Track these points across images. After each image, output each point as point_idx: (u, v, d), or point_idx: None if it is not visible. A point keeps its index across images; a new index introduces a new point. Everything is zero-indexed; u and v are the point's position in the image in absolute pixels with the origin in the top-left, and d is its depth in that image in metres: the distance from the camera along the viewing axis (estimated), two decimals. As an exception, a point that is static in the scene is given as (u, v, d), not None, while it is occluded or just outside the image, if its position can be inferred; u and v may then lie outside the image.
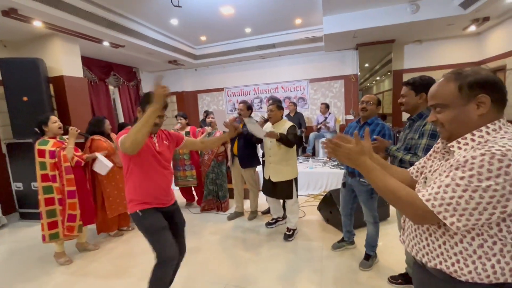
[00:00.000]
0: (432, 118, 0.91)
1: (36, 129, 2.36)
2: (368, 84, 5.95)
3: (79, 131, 2.50)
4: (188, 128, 3.80)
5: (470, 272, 0.79)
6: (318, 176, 4.27)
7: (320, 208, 3.27)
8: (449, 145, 0.86)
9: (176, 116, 3.95)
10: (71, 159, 2.37)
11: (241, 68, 6.96)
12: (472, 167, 0.73)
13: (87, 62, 5.12)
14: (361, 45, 5.60)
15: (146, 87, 7.25)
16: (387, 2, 4.22)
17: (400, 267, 2.13)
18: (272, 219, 3.14)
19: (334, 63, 6.24)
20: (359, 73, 5.81)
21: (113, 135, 3.06)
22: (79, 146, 2.75)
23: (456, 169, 0.76)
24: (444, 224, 0.80)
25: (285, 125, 2.70)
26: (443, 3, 4.11)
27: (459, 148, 0.82)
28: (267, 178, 2.81)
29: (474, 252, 0.79)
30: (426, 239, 0.89)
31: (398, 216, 1.92)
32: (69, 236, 2.45)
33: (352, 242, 2.54)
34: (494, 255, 0.77)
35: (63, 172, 2.33)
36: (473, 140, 0.81)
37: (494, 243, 0.77)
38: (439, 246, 0.85)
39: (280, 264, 2.37)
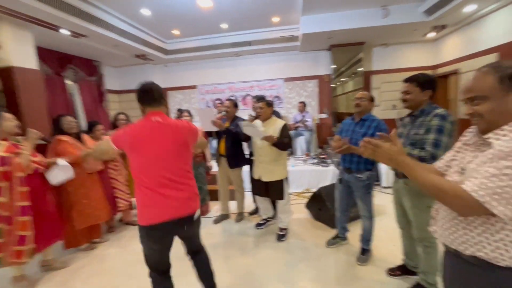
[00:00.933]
0: (469, 111, 0.91)
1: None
2: (334, 85, 6.15)
3: (40, 134, 2.11)
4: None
5: (511, 258, 0.81)
6: (300, 174, 4.29)
7: (308, 205, 3.28)
8: (485, 136, 0.87)
9: (180, 112, 3.60)
10: (27, 166, 1.97)
11: (214, 65, 6.73)
12: None
13: (40, 52, 4.43)
14: (334, 46, 5.79)
15: (112, 83, 6.63)
16: (361, 5, 4.41)
17: (395, 259, 2.21)
18: (262, 220, 3.06)
19: (308, 63, 6.37)
20: (332, 73, 6.02)
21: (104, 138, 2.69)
22: (41, 148, 2.35)
23: (501, 159, 0.78)
24: (486, 213, 0.80)
25: (276, 124, 2.63)
26: (410, 10, 4.43)
27: (497, 139, 0.83)
28: (256, 177, 2.72)
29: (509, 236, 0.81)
30: (464, 228, 0.90)
31: (397, 209, 1.97)
32: (16, 263, 2.01)
33: (345, 238, 2.58)
34: None
35: (14, 184, 1.92)
36: (507, 132, 0.82)
37: None
38: (478, 235, 0.86)
39: (278, 265, 2.30)
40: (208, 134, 3.08)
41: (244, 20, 5.05)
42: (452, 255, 0.98)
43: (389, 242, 2.51)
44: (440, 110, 1.61)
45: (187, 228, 1.52)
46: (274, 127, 2.60)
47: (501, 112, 0.84)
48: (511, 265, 0.81)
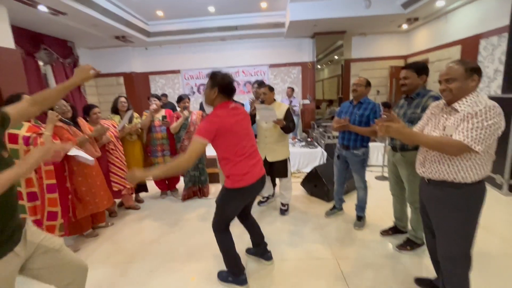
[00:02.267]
0: (443, 87, 1.34)
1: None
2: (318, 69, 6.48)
3: (59, 116, 2.08)
4: (163, 112, 3.51)
5: (472, 177, 1.28)
6: (290, 156, 4.55)
7: (303, 183, 3.57)
8: (455, 105, 1.31)
9: (149, 98, 3.59)
10: None
11: (199, 50, 6.63)
12: (481, 115, 1.20)
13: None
14: (318, 34, 6.03)
15: (85, 65, 6.20)
16: (346, -5, 4.66)
17: (385, 222, 2.58)
18: (263, 198, 3.29)
19: (292, 50, 6.56)
20: (315, 60, 6.29)
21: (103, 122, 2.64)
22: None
23: (472, 118, 1.22)
24: (468, 151, 1.23)
25: (281, 107, 2.81)
26: (389, 2, 4.79)
27: (459, 106, 1.29)
28: (262, 158, 2.90)
29: (474, 165, 1.27)
30: (448, 164, 1.32)
31: (391, 179, 2.31)
32: None
33: (342, 209, 2.91)
34: (482, 165, 1.28)
35: (41, 163, 1.92)
36: (467, 102, 1.28)
37: (482, 158, 1.27)
38: (456, 166, 1.30)
39: (286, 234, 2.56)
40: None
41: (231, 4, 5.03)
42: (436, 185, 1.39)
43: (378, 210, 2.89)
44: (433, 93, 1.92)
45: (263, 184, 1.87)
46: (279, 111, 2.77)
47: (462, 89, 1.29)
48: (474, 181, 1.29)
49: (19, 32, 4.31)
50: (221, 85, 1.67)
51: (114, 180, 2.97)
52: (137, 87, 6.58)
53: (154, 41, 6.18)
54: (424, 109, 1.86)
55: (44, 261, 1.18)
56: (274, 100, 2.89)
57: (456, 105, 1.30)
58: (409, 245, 2.17)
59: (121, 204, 3.42)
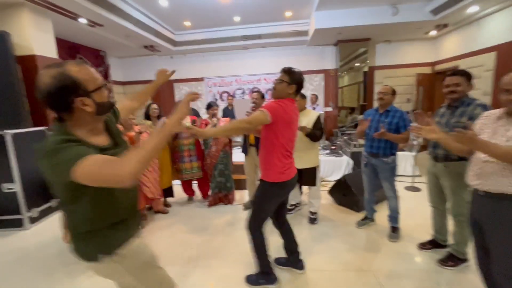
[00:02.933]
0: (505, 98, 1.28)
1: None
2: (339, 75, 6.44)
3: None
4: (188, 118, 3.59)
5: None
6: (314, 163, 4.50)
7: (331, 192, 3.50)
8: None
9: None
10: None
11: (221, 58, 6.78)
12: None
13: (53, 41, 4.37)
14: (341, 41, 6.01)
15: (116, 74, 6.53)
16: (372, 3, 4.63)
17: (420, 234, 2.47)
18: (291, 206, 3.25)
19: (314, 57, 6.56)
20: (338, 68, 6.25)
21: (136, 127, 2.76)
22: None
23: None
24: None
25: (310, 115, 2.80)
26: (418, 9, 4.70)
27: None
28: (291, 165, 2.89)
29: None
30: (509, 175, 1.26)
31: (431, 190, 2.22)
32: None
33: (373, 219, 2.83)
34: None
35: None
36: None
37: None
38: None
39: (316, 242, 2.51)
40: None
41: (257, 13, 5.14)
42: (493, 198, 1.32)
43: (411, 220, 2.78)
44: (480, 101, 1.84)
45: (295, 183, 1.94)
46: (308, 118, 2.77)
47: None
48: None
49: (58, 43, 4.60)
50: (299, 83, 1.78)
51: (147, 185, 3.05)
52: (162, 94, 6.80)
53: (179, 50, 6.40)
54: (471, 118, 1.79)
55: None
56: (305, 108, 2.89)
57: None
58: (452, 260, 2.06)
59: (149, 208, 3.50)
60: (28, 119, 3.38)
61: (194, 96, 1.07)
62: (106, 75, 6.06)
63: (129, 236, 1.10)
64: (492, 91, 4.51)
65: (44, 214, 3.37)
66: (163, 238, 2.77)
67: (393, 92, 2.47)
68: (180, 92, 7.10)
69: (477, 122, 1.48)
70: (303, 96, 2.86)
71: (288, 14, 5.28)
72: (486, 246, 1.43)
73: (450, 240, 2.15)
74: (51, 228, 3.14)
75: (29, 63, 3.35)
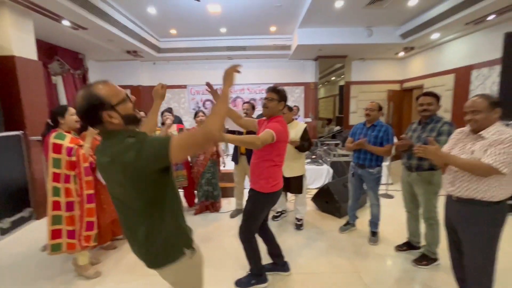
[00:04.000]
0: (469, 118, 1.52)
1: (49, 121, 1.93)
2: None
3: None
4: (175, 126, 3.62)
5: (498, 196, 1.45)
6: (297, 172, 4.69)
7: (314, 199, 3.69)
8: (480, 133, 1.50)
9: (162, 113, 3.70)
10: (87, 158, 2.04)
11: (205, 67, 6.85)
12: (507, 142, 1.38)
13: (30, 41, 4.15)
14: (320, 57, 6.39)
15: (94, 77, 6.28)
16: (350, 24, 5.04)
17: (398, 237, 2.71)
18: (277, 212, 3.38)
19: (295, 71, 6.89)
20: (317, 81, 6.62)
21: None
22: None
23: (498, 144, 1.41)
24: (496, 173, 1.40)
25: (298, 127, 2.98)
26: (389, 32, 5.21)
27: (486, 134, 1.47)
28: (279, 173, 3.03)
29: (500, 186, 1.44)
30: (477, 183, 1.48)
31: (405, 197, 2.47)
32: (86, 247, 2.10)
33: (355, 225, 3.04)
34: (507, 186, 1.45)
35: (82, 174, 1.98)
36: (492, 130, 1.46)
37: (507, 179, 1.43)
38: (485, 185, 1.46)
39: (303, 248, 2.65)
40: (231, 133, 3.29)
41: (243, 26, 5.32)
42: (464, 202, 1.54)
43: (389, 225, 3.03)
44: (446, 119, 2.13)
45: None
46: (296, 130, 2.94)
47: (486, 120, 1.48)
48: (500, 200, 1.46)
49: (37, 44, 4.39)
50: (286, 100, 1.99)
51: None
52: (143, 100, 6.66)
53: (163, 57, 6.36)
54: (440, 134, 2.07)
55: None
56: (292, 119, 3.06)
57: (483, 133, 1.49)
58: (425, 260, 2.30)
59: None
60: (1, 123, 3.18)
61: (237, 68, 1.26)
62: (84, 79, 5.83)
63: (191, 240, 1.19)
64: (451, 109, 5.09)
65: (16, 224, 3.14)
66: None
67: (379, 108, 2.72)
68: (162, 98, 7.01)
69: (451, 137, 1.72)
70: (290, 109, 3.04)
71: (272, 29, 5.53)
72: (458, 246, 1.66)
73: (423, 242, 2.41)
74: (25, 239, 2.94)
75: (7, 64, 3.18)
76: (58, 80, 5.20)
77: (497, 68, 3.80)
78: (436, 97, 2.18)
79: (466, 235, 1.56)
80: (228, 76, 1.21)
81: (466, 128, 1.62)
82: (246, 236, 2.01)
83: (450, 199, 1.66)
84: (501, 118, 1.53)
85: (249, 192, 2.04)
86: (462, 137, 1.62)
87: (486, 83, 4.33)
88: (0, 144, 3.02)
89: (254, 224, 2.01)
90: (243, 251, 2.05)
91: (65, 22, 3.82)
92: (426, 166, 2.18)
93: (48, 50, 4.75)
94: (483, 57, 4.36)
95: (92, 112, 0.95)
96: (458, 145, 1.62)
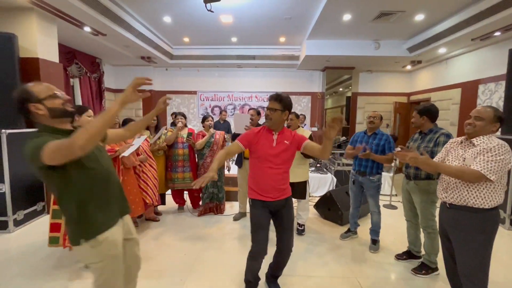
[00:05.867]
0: (470, 121, 1.59)
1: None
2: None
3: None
4: (187, 129, 3.75)
5: (488, 203, 1.50)
6: (301, 179, 4.74)
7: (317, 206, 3.73)
8: (473, 140, 1.58)
9: (175, 115, 3.85)
10: None
11: (215, 74, 7.05)
12: (495, 150, 1.46)
13: (52, 45, 4.42)
14: (328, 68, 6.52)
15: (108, 81, 6.57)
16: (357, 37, 5.16)
17: (397, 247, 2.73)
18: (280, 217, 3.43)
19: (303, 81, 7.02)
20: (324, 92, 6.73)
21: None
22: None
23: (487, 152, 1.49)
24: (483, 181, 1.48)
25: (304, 134, 3.07)
26: (396, 46, 5.30)
27: (476, 141, 1.56)
28: (283, 179, 3.10)
29: (490, 193, 1.50)
30: (468, 190, 1.55)
31: (405, 205, 2.51)
32: None
33: (356, 232, 3.06)
34: (496, 193, 1.51)
35: None
36: (483, 139, 1.55)
37: (496, 187, 1.50)
38: (476, 191, 1.53)
39: (304, 252, 2.69)
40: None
41: (254, 36, 5.51)
42: (457, 209, 1.60)
43: (389, 235, 3.05)
44: (444, 130, 2.20)
45: None
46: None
47: (484, 129, 1.56)
48: (490, 207, 1.51)
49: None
50: (290, 108, 1.85)
51: (148, 192, 3.10)
52: (154, 104, 6.86)
53: (175, 63, 6.60)
54: (436, 144, 2.13)
55: (130, 246, 1.44)
56: (299, 126, 3.16)
57: (474, 140, 1.57)
58: (424, 269, 2.32)
59: (140, 216, 3.52)
60: (23, 120, 3.37)
61: (142, 81, 1.17)
62: (99, 82, 6.09)
63: (110, 224, 1.26)
64: (458, 122, 5.09)
65: (29, 217, 3.29)
66: (156, 246, 2.81)
67: (381, 118, 2.81)
68: (172, 103, 7.23)
69: (445, 146, 1.80)
70: (297, 116, 3.14)
71: (282, 39, 5.71)
72: (453, 253, 1.69)
73: (423, 251, 2.43)
74: (35, 232, 3.08)
75: (31, 65, 3.40)
76: (75, 82, 5.46)
77: (504, 84, 3.83)
78: (420, 111, 2.29)
79: (458, 241, 1.60)
80: (128, 89, 1.13)
81: (460, 138, 1.69)
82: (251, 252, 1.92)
83: (444, 206, 1.71)
84: (503, 132, 1.60)
85: (288, 201, 1.93)
86: (455, 146, 1.70)
87: (492, 97, 4.35)
88: (22, 139, 3.20)
89: (252, 239, 1.92)
90: (284, 263, 2.02)
91: (86, 28, 4.06)
92: (423, 175, 2.24)
93: (67, 54, 5.02)
94: (489, 72, 4.40)
95: (21, 103, 1.13)
96: (451, 154, 1.69)
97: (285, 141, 1.82)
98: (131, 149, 2.61)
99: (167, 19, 4.61)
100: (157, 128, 3.51)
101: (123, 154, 2.56)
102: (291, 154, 1.85)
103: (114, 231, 1.27)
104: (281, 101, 1.78)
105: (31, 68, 3.39)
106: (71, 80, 5.31)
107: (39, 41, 3.45)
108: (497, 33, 3.85)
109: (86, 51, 5.54)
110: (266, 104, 7.13)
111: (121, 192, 1.39)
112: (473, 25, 3.79)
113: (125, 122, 3.17)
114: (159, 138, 3.38)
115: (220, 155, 1.80)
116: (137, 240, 1.50)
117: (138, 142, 2.72)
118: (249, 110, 3.54)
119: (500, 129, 3.62)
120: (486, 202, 1.50)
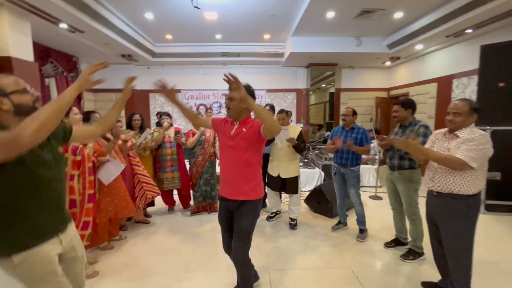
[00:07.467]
0: (450, 118, 1.69)
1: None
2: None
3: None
4: (173, 128, 3.69)
5: (472, 189, 1.62)
6: (290, 175, 4.82)
7: (307, 200, 3.81)
8: (456, 132, 1.69)
9: (160, 115, 3.77)
10: (90, 157, 2.09)
11: (200, 72, 6.95)
12: (477, 140, 1.57)
13: (25, 43, 4.15)
14: (312, 64, 6.63)
15: (87, 80, 6.25)
16: (340, 34, 5.28)
17: (385, 235, 2.87)
18: (272, 213, 3.48)
19: (288, 77, 7.09)
20: (309, 88, 6.84)
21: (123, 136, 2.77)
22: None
23: (470, 142, 1.60)
24: (467, 168, 1.59)
25: (295, 129, 3.13)
26: (377, 42, 5.49)
27: (461, 134, 1.67)
28: (275, 175, 3.15)
29: (473, 179, 1.62)
30: (453, 177, 1.67)
31: (390, 195, 2.63)
32: None
33: (346, 224, 3.17)
34: (478, 180, 1.63)
35: (86, 173, 2.03)
36: (466, 130, 1.67)
37: (478, 174, 1.62)
38: (461, 179, 1.65)
39: (298, 245, 2.76)
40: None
41: (238, 33, 5.48)
42: (443, 196, 1.71)
43: (376, 225, 3.19)
44: (422, 123, 2.35)
45: None
46: (293, 132, 3.09)
47: (464, 123, 1.67)
48: (473, 193, 1.64)
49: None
50: (252, 96, 1.72)
51: (148, 189, 3.03)
52: (136, 103, 6.68)
53: (158, 61, 6.43)
54: (417, 135, 2.25)
55: (69, 265, 1.23)
56: (289, 123, 3.21)
57: (458, 132, 1.69)
58: (412, 255, 2.46)
59: (129, 219, 3.43)
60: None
61: (99, 67, 1.15)
62: (77, 81, 5.81)
63: (36, 240, 1.07)
64: (435, 115, 5.38)
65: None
66: (149, 248, 2.76)
67: (354, 113, 2.94)
68: (156, 102, 7.05)
69: (431, 137, 1.91)
70: (288, 114, 3.21)
71: (266, 36, 5.72)
72: (439, 238, 1.81)
73: (410, 238, 2.56)
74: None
75: (4, 65, 3.18)
76: (51, 82, 5.18)
77: (475, 78, 4.09)
78: (403, 104, 2.39)
79: (445, 226, 1.72)
80: (83, 74, 1.09)
81: (443, 130, 1.81)
82: (247, 258, 1.76)
83: (430, 195, 1.82)
84: (478, 123, 1.72)
85: (243, 205, 1.73)
86: (439, 137, 1.82)
87: (466, 91, 4.63)
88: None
89: (251, 239, 1.79)
90: (239, 274, 1.84)
91: (62, 25, 3.85)
92: (406, 165, 2.37)
93: (42, 52, 4.74)
94: (463, 68, 4.68)
95: None
96: (437, 144, 1.80)
97: (243, 129, 1.70)
98: (112, 175, 2.43)
99: (149, 15, 4.48)
100: (142, 128, 3.42)
101: (102, 180, 2.38)
102: (249, 143, 1.68)
103: (46, 247, 1.08)
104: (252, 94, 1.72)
105: (3, 67, 3.17)
106: (46, 80, 5.03)
107: (11, 38, 3.23)
108: (469, 30, 4.09)
109: (63, 49, 5.26)
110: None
111: (62, 204, 1.22)
112: (447, 22, 4.00)
113: (88, 115, 2.76)
114: (145, 139, 3.29)
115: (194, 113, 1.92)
116: (82, 259, 1.30)
117: (117, 166, 2.51)
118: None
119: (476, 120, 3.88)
120: (470, 188, 1.62)
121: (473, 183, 1.62)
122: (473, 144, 1.57)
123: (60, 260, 1.17)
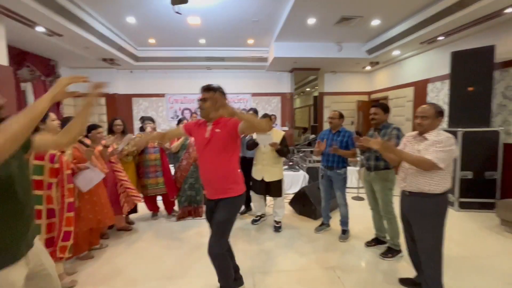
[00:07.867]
0: (419, 122, 1.80)
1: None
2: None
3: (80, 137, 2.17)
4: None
5: (439, 188, 1.73)
6: (275, 178, 4.87)
7: (292, 203, 3.87)
8: (425, 135, 1.79)
9: (143, 120, 3.72)
10: (69, 165, 2.04)
11: (184, 76, 6.91)
12: (444, 142, 1.68)
13: (-2, 46, 3.99)
14: (295, 69, 6.76)
15: (66, 84, 6.06)
16: (322, 39, 5.44)
17: (366, 235, 2.96)
18: (257, 216, 3.50)
19: (272, 81, 7.19)
20: (293, 92, 6.96)
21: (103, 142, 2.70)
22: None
23: (437, 143, 1.70)
24: (435, 169, 1.69)
25: (278, 133, 3.18)
26: (357, 48, 5.69)
27: (429, 136, 1.77)
28: (259, 179, 3.18)
29: (441, 179, 1.72)
30: (423, 177, 1.77)
31: (368, 195, 2.73)
32: (60, 259, 2.02)
33: (329, 225, 3.25)
34: (445, 179, 1.73)
35: (65, 181, 1.97)
36: (433, 133, 1.78)
37: (445, 174, 1.73)
38: (429, 179, 1.75)
39: (282, 247, 2.80)
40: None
41: (222, 38, 5.51)
42: (415, 196, 1.81)
43: (358, 224, 3.28)
44: (395, 125, 2.48)
45: None
46: (276, 136, 3.13)
47: (431, 125, 1.78)
48: (441, 192, 1.74)
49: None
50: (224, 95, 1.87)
51: (133, 194, 2.98)
52: (119, 108, 6.54)
53: (141, 66, 6.34)
54: (390, 137, 2.37)
55: (40, 281, 1.14)
56: (272, 127, 3.25)
57: (426, 135, 1.80)
58: (391, 252, 2.55)
59: (111, 227, 3.34)
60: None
61: (76, 79, 1.09)
62: (55, 86, 5.61)
63: (7, 262, 0.97)
64: (413, 118, 5.62)
65: None
66: (131, 256, 2.70)
67: (340, 116, 3.02)
68: (139, 107, 6.93)
69: (402, 140, 2.02)
70: (270, 117, 3.26)
71: (250, 41, 5.79)
72: (412, 235, 1.90)
73: (388, 236, 2.66)
74: None
75: (-26, 69, 3.05)
76: (27, 87, 4.99)
77: (448, 82, 4.33)
78: (382, 107, 2.51)
79: (417, 224, 1.82)
80: (57, 84, 1.04)
81: (413, 132, 1.92)
82: (221, 252, 1.78)
83: (404, 194, 1.92)
84: (450, 125, 1.84)
85: (218, 203, 1.79)
86: (410, 139, 1.93)
87: (440, 95, 4.88)
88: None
89: (228, 233, 1.83)
90: (216, 269, 1.84)
91: (39, 28, 3.74)
92: (382, 166, 2.49)
93: (17, 56, 4.57)
94: (436, 72, 4.93)
95: None
96: (407, 146, 1.91)
97: (217, 130, 1.74)
98: (90, 182, 2.35)
99: (130, 19, 4.43)
100: (123, 133, 3.36)
101: (79, 187, 2.29)
102: (225, 143, 1.73)
103: (12, 270, 0.98)
104: (211, 90, 1.75)
105: (-26, 72, 3.04)
106: (22, 84, 4.84)
107: (-17, 42, 3.11)
108: (441, 38, 4.34)
109: (39, 52, 5.08)
110: (236, 105, 7.18)
111: (32, 222, 1.11)
112: (420, 30, 4.22)
113: (67, 121, 2.86)
114: (127, 145, 3.23)
115: (159, 133, 2.02)
116: (52, 274, 1.19)
117: (96, 174, 2.42)
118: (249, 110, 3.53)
119: (448, 122, 4.09)
120: (438, 187, 1.72)
121: (441, 183, 1.72)
122: (440, 146, 1.68)
123: (28, 279, 1.07)
